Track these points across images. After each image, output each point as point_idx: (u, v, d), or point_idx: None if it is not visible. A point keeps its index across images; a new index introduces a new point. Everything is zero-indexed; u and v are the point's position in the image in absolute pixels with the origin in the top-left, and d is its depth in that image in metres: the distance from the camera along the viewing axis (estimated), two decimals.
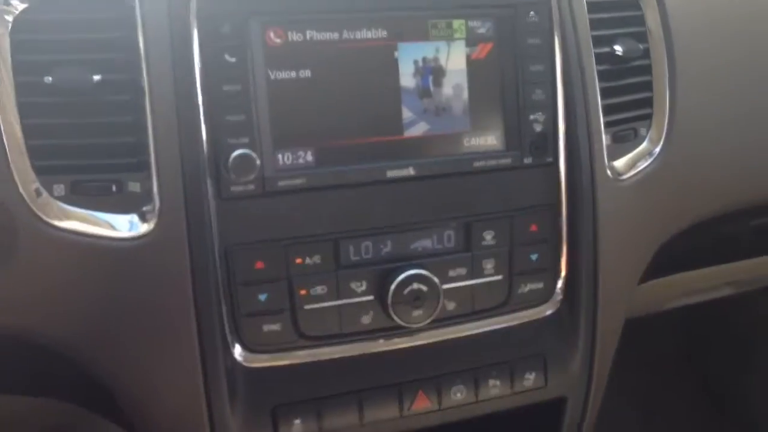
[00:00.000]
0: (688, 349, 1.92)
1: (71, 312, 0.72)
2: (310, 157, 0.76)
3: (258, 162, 0.72)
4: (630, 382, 1.86)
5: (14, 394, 0.92)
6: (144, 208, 0.72)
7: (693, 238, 1.02)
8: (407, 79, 0.78)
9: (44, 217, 0.69)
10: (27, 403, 0.91)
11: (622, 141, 0.89)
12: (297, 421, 0.77)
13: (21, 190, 0.68)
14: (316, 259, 0.77)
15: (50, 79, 0.69)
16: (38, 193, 0.69)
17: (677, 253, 1.06)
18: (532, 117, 0.82)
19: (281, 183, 0.75)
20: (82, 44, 0.71)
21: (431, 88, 0.79)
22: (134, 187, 0.71)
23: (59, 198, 0.70)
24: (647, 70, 0.91)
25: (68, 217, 0.70)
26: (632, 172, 0.88)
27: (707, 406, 1.87)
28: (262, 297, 0.75)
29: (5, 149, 0.68)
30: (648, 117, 0.91)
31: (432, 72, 0.79)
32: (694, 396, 1.89)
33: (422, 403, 0.82)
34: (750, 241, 1.11)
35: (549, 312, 0.87)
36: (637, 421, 1.84)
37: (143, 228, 0.71)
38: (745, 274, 1.23)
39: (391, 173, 0.78)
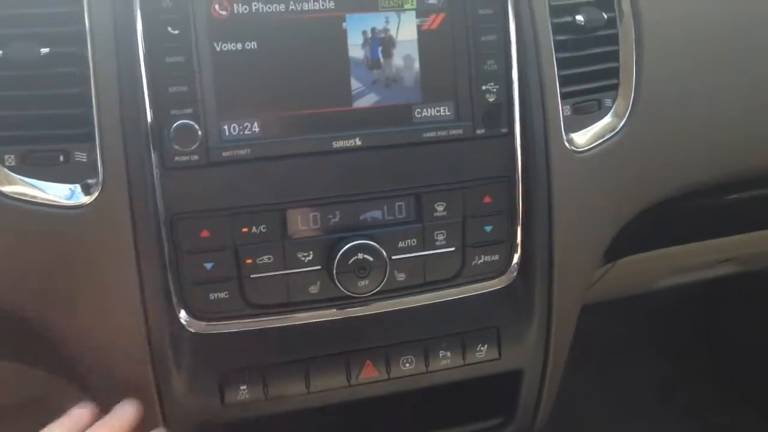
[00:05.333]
0: (708, 333, 1.89)
1: (16, 276, 0.74)
2: (256, 128, 0.77)
3: (200, 132, 0.74)
4: (648, 370, 1.85)
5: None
6: (89, 180, 0.74)
7: (671, 214, 1.00)
8: (356, 50, 0.79)
9: None
10: (9, 369, 0.95)
11: (585, 112, 0.88)
12: (243, 388, 0.79)
13: None
14: (262, 228, 0.77)
15: (1, 53, 0.71)
16: None
17: (656, 231, 1.05)
18: (484, 87, 0.82)
19: (225, 153, 0.76)
20: (31, 18, 0.73)
21: (381, 59, 0.79)
22: (81, 157, 0.73)
23: (10, 168, 0.72)
24: (614, 39, 0.89)
25: (14, 183, 0.72)
26: (593, 145, 0.87)
27: (729, 391, 1.84)
28: (208, 266, 0.77)
29: None
30: (614, 88, 0.89)
31: (381, 43, 0.79)
32: (716, 380, 1.86)
33: (370, 373, 0.83)
34: (730, 217, 1.09)
35: (504, 285, 0.86)
36: (656, 408, 1.82)
37: (85, 198, 0.73)
38: (732, 251, 1.20)
39: (338, 143, 0.78)
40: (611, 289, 1.18)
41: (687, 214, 1.02)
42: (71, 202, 0.73)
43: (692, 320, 1.90)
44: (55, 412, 1.24)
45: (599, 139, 0.87)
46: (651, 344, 1.89)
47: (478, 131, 0.82)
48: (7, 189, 0.72)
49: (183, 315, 0.78)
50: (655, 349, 1.88)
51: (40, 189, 0.73)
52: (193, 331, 0.78)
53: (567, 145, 0.85)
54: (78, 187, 0.73)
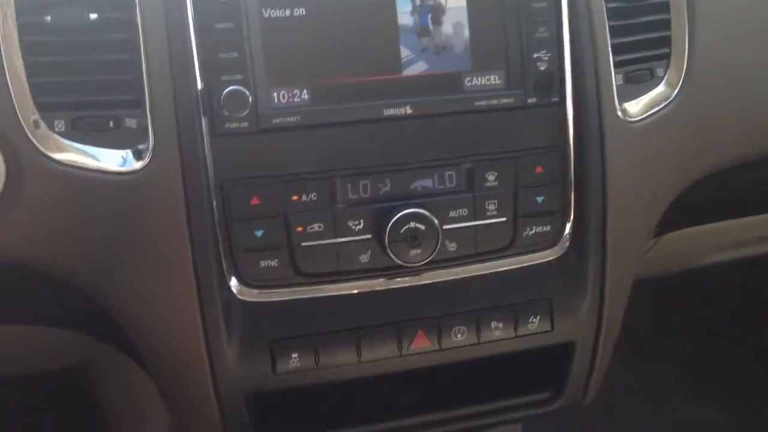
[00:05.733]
0: (739, 313, 1.87)
1: (71, 243, 0.75)
2: (306, 95, 0.77)
3: (250, 99, 0.74)
4: (677, 350, 1.83)
5: (44, 324, 0.96)
6: (140, 146, 0.73)
7: (721, 187, 0.99)
8: (405, 17, 0.78)
9: (43, 150, 0.71)
10: (55, 335, 0.95)
11: (637, 81, 0.86)
12: (294, 356, 0.79)
13: (22, 122, 0.71)
14: (313, 196, 0.77)
15: (49, 18, 0.71)
16: (36, 125, 0.71)
17: (706, 204, 1.03)
18: (536, 55, 0.81)
19: (275, 120, 0.75)
20: None
21: (430, 26, 0.79)
22: (131, 123, 0.73)
23: (60, 133, 0.73)
24: (665, 8, 0.87)
25: (66, 150, 0.72)
26: (646, 114, 0.85)
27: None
28: (258, 233, 0.77)
29: (8, 86, 0.71)
30: (666, 57, 0.88)
31: (431, 10, 0.78)
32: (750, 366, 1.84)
33: (422, 343, 0.82)
34: None
35: (556, 256, 0.85)
36: (687, 392, 1.80)
37: (137, 164, 0.73)
38: None
39: (388, 111, 0.78)
40: (654, 266, 1.16)
41: (740, 187, 1.00)
42: (124, 169, 0.73)
43: (730, 303, 1.87)
44: (99, 377, 1.26)
45: (652, 108, 0.86)
46: (685, 326, 1.86)
47: (530, 100, 0.81)
48: (59, 156, 0.72)
49: (234, 283, 0.77)
50: (689, 332, 1.86)
51: (91, 156, 0.73)
52: (243, 299, 0.78)
53: (620, 114, 0.84)
54: (129, 153, 0.73)
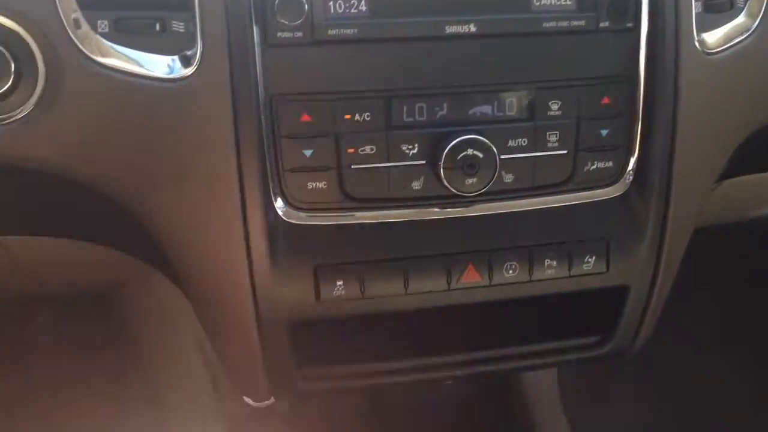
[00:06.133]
0: None
1: (110, 152, 0.71)
2: (363, 7, 0.71)
3: (306, 7, 0.69)
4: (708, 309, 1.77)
5: (79, 238, 0.93)
6: (188, 52, 0.69)
7: None
8: None
9: (85, 51, 0.67)
10: (88, 252, 0.92)
11: (716, 11, 0.80)
12: (339, 283, 0.75)
13: (63, 20, 0.66)
14: (366, 116, 0.73)
15: None
16: (78, 24, 0.67)
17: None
18: None
19: (331, 32, 0.70)
20: None
21: None
22: (178, 26, 0.69)
23: (103, 34, 0.68)
24: None
25: (109, 54, 0.68)
26: (724, 46, 0.79)
27: None
28: (308, 152, 0.73)
29: None
30: None
31: None
32: None
33: (472, 277, 0.78)
34: None
35: (617, 194, 0.81)
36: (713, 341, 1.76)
37: (185, 71, 0.69)
38: None
39: (450, 29, 0.73)
40: (710, 214, 1.11)
41: None
42: (170, 76, 0.69)
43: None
44: (130, 299, 1.24)
45: (731, 40, 0.80)
46: (714, 285, 1.81)
47: (602, 24, 0.76)
48: (102, 59, 0.68)
49: (279, 204, 0.74)
50: (718, 289, 1.81)
51: (136, 61, 0.68)
52: (289, 221, 0.74)
53: (697, 45, 0.78)
54: (176, 60, 0.69)
